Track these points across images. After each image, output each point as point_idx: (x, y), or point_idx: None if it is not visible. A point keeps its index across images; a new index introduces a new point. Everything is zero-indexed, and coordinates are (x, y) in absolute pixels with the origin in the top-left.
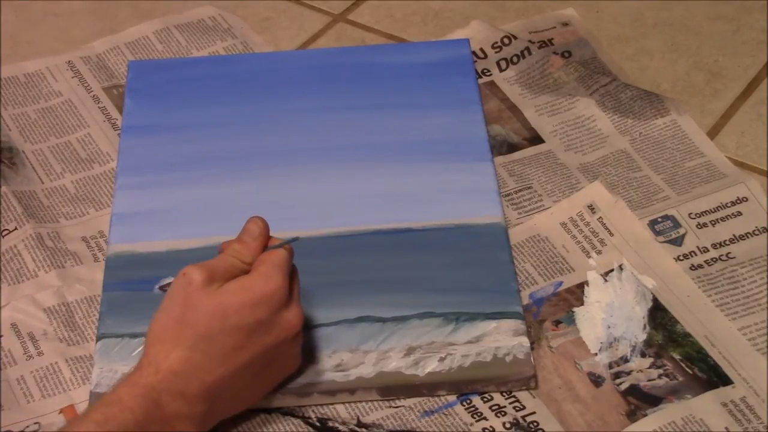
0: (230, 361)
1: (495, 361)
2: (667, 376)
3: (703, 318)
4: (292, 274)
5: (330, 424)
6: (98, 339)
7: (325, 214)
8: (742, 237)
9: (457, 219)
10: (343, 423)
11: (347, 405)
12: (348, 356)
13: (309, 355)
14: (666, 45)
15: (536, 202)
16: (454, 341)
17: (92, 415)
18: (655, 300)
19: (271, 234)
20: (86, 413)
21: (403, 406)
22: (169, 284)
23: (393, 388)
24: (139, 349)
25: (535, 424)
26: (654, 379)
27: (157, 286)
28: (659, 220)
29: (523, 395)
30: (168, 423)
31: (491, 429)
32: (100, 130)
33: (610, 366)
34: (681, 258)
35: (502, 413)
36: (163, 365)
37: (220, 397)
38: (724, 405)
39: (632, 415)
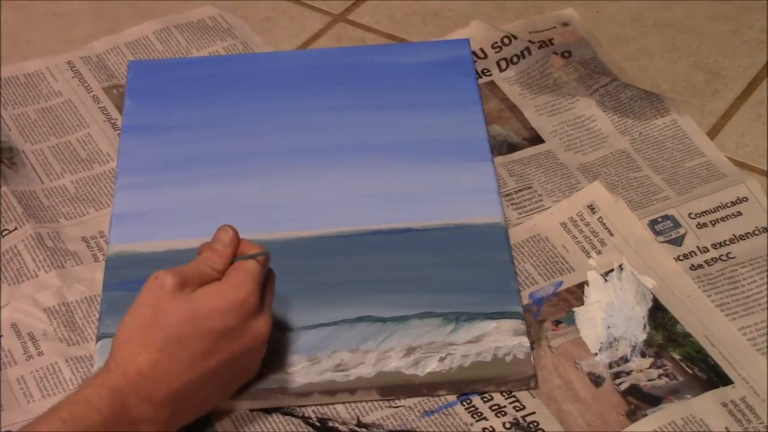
0: (198, 366)
1: (495, 361)
2: (667, 376)
3: (703, 318)
4: (266, 283)
5: (330, 424)
6: (98, 339)
7: (325, 214)
8: (742, 237)
9: (457, 219)
10: (343, 423)
11: (347, 405)
12: (348, 356)
13: (309, 355)
14: (666, 45)
15: (536, 202)
16: (454, 341)
17: (59, 412)
18: (655, 300)
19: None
20: (53, 410)
21: (403, 406)
22: None
23: (393, 388)
24: None
25: (535, 424)
26: (654, 379)
27: None
28: (659, 220)
29: (523, 395)
30: (134, 425)
31: (491, 429)
32: (100, 130)
33: (610, 366)
34: (681, 258)
35: (502, 413)
36: (131, 367)
37: (185, 402)
38: (724, 405)
39: (632, 415)
